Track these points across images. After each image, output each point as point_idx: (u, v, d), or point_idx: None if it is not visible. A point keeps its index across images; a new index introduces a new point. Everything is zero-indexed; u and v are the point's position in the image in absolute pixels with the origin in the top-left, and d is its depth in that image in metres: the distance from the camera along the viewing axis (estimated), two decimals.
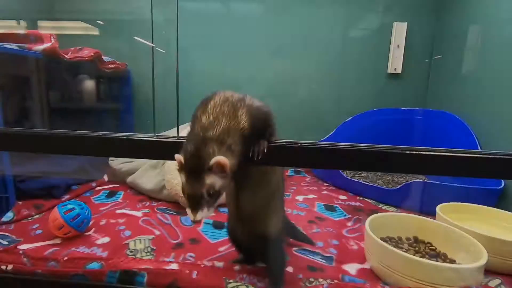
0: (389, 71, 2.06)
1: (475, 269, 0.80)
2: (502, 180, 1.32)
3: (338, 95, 2.18)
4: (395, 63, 2.04)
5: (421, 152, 0.68)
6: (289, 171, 2.10)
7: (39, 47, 1.41)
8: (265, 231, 0.78)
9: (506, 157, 0.65)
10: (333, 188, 1.79)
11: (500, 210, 1.19)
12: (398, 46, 2.02)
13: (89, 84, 1.95)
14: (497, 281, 0.91)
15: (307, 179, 1.95)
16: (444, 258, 0.98)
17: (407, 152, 0.68)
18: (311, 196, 1.63)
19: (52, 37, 1.45)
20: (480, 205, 1.22)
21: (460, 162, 0.68)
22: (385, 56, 2.06)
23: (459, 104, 1.77)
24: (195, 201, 0.59)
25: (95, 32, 2.15)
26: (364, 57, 2.10)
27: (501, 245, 0.93)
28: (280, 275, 0.80)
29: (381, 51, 2.07)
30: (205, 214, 0.59)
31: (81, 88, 1.93)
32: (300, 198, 1.59)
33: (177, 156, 0.62)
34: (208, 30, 2.12)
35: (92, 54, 1.71)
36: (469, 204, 1.23)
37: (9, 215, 1.19)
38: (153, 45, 1.41)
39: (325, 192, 1.71)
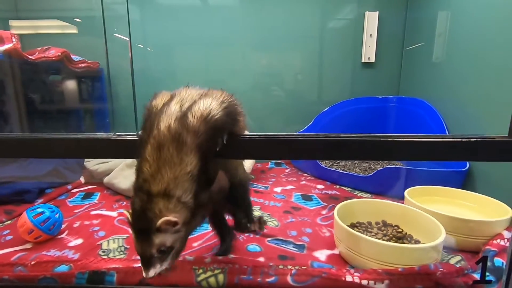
0: (363, 60, 2.09)
1: (429, 248, 0.84)
2: (467, 162, 1.38)
3: (317, 85, 2.21)
4: (369, 52, 2.06)
5: (392, 139, 0.67)
6: (270, 164, 2.12)
7: (0, 48, 1.36)
8: (238, 177, 0.83)
9: (464, 140, 0.67)
10: (312, 178, 1.82)
11: (465, 190, 1.24)
12: (370, 35, 2.04)
13: (58, 85, 1.90)
14: (457, 258, 0.96)
15: (287, 171, 1.98)
16: (410, 239, 1.02)
17: (368, 139, 0.68)
18: (289, 187, 1.65)
19: (13, 37, 1.40)
20: (446, 187, 1.27)
21: (426, 146, 0.69)
22: (360, 46, 2.09)
23: (429, 90, 1.81)
24: (145, 261, 0.59)
25: (65, 30, 2.08)
26: (340, 48, 2.12)
27: (462, 223, 0.98)
28: (251, 211, 0.89)
29: (355, 41, 2.09)
30: (158, 270, 0.59)
31: (49, 90, 1.87)
32: (278, 189, 1.60)
33: (125, 212, 0.61)
34: (190, 26, 2.10)
35: (60, 53, 1.66)
36: (436, 186, 1.28)
37: None
38: (117, 35, 1.38)
39: (303, 182, 1.74)
